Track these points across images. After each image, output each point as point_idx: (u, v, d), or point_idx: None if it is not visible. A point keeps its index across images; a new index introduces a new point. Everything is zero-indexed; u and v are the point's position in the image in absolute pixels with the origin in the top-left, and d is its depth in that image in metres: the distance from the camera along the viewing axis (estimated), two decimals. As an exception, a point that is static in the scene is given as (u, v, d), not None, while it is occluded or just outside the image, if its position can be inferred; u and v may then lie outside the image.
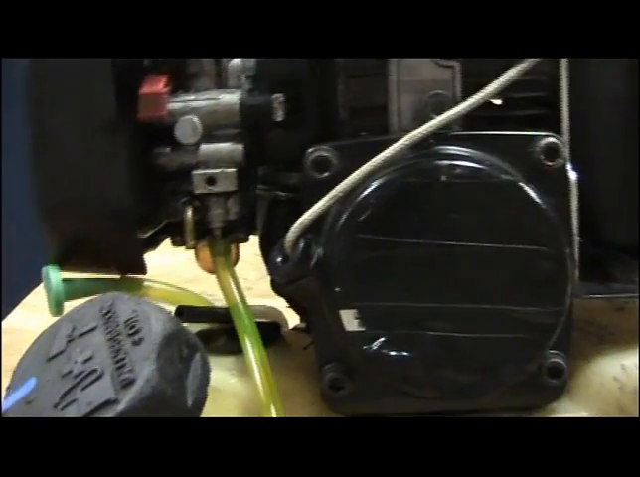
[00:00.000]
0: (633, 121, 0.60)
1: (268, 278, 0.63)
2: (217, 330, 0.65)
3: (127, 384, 0.50)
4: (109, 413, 0.50)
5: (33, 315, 1.00)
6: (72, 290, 0.62)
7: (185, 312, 0.64)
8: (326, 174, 0.58)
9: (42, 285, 0.63)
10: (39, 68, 0.59)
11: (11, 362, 0.58)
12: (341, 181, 0.57)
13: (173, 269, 0.81)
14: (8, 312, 1.08)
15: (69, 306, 0.60)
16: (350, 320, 0.57)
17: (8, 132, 1.40)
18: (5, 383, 0.56)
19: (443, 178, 0.56)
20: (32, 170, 0.61)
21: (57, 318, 0.58)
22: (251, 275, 0.69)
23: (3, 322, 1.04)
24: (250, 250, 0.67)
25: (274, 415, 0.59)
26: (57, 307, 0.62)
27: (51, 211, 0.61)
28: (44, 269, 0.62)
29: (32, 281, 1.02)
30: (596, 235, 0.63)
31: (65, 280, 0.62)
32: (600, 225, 0.63)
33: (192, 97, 0.62)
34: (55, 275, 0.61)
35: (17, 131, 0.61)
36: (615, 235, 0.63)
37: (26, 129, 0.60)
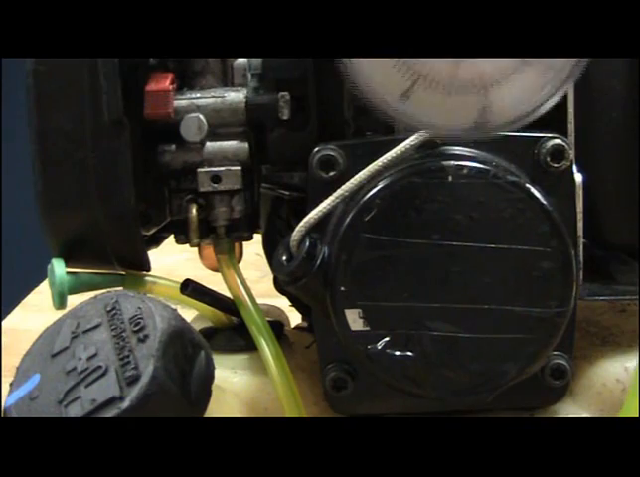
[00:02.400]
0: (633, 122, 0.60)
1: (269, 278, 0.63)
2: (219, 328, 0.66)
3: (132, 381, 0.50)
4: (114, 410, 0.50)
5: (33, 315, 1.00)
6: (76, 284, 0.62)
7: (190, 285, 0.64)
8: (332, 173, 0.58)
9: (42, 285, 0.63)
10: (43, 67, 0.59)
11: (11, 362, 0.58)
12: (347, 180, 0.57)
13: (173, 269, 0.81)
14: (8, 312, 1.08)
15: (72, 303, 0.60)
16: (355, 319, 0.57)
17: (8, 132, 1.40)
18: (5, 383, 0.56)
19: (449, 178, 0.56)
20: (35, 168, 0.61)
21: (57, 316, 0.58)
22: (252, 275, 0.69)
23: (3, 322, 1.04)
24: (251, 250, 0.68)
25: (296, 411, 0.59)
26: (60, 300, 0.61)
27: (54, 208, 0.61)
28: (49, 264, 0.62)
29: (32, 281, 1.02)
30: (598, 236, 0.63)
31: (69, 274, 0.62)
32: (602, 226, 0.63)
33: (197, 95, 0.62)
34: (59, 268, 0.61)
35: (18, 130, 0.61)
36: (617, 236, 0.63)
37: (27, 128, 0.60)
